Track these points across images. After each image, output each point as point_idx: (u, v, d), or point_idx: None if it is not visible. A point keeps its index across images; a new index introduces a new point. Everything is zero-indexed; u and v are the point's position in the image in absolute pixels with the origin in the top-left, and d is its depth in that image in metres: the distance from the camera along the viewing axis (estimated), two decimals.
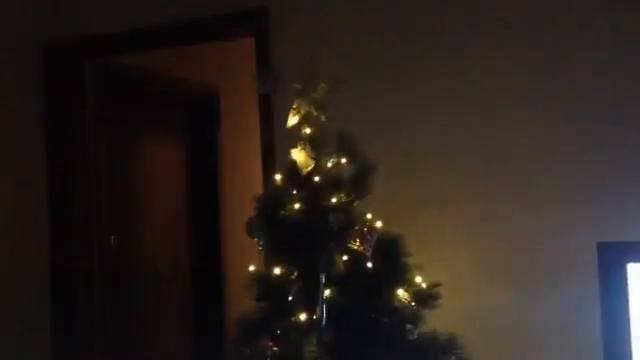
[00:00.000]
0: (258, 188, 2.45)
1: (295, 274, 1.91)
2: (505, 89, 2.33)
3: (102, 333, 3.05)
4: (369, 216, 1.99)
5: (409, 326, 1.85)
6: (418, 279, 2.00)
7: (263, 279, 1.97)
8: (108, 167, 3.25)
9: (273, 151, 2.54)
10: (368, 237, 1.90)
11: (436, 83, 2.42)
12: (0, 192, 2.75)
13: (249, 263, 2.02)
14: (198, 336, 3.62)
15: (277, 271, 1.94)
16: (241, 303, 2.02)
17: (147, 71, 3.37)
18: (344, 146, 1.99)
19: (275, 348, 1.86)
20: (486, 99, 2.35)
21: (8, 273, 2.76)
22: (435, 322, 1.95)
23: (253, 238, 1.98)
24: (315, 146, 1.97)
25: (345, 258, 1.89)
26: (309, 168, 1.96)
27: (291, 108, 2.03)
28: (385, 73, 2.49)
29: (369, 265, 1.91)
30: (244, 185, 3.09)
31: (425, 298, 1.96)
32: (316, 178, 1.95)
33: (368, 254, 1.90)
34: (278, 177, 2.02)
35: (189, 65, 3.53)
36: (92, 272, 3.06)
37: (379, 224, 1.99)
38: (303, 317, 1.85)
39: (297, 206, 1.94)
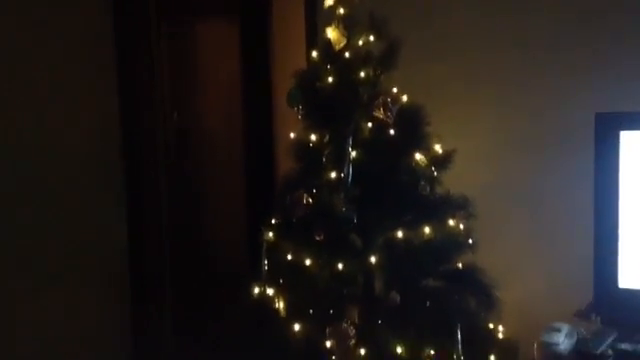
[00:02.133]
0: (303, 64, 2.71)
1: (327, 138, 2.22)
2: None
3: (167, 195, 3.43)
4: (394, 89, 2.25)
5: (422, 182, 2.14)
6: (436, 146, 2.27)
7: (301, 143, 2.29)
8: (169, 48, 3.54)
9: (316, 31, 2.77)
10: (391, 107, 2.16)
11: None
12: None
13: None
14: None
15: (312, 137, 2.26)
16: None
17: None
18: (374, 25, 2.22)
19: (310, 200, 2.19)
20: None
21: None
22: (450, 185, 2.25)
23: (292, 107, 2.28)
24: (347, 25, 2.21)
25: (370, 125, 2.18)
26: (341, 45, 2.21)
27: None
28: None
29: (391, 131, 2.19)
30: (291, 63, 3.33)
31: (440, 162, 2.24)
32: (347, 54, 2.20)
33: (390, 121, 2.17)
34: (315, 54, 2.28)
35: None
36: (157, 143, 3.42)
37: (404, 97, 2.26)
38: (333, 175, 2.16)
39: (330, 79, 2.21)
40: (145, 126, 3.27)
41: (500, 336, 2.19)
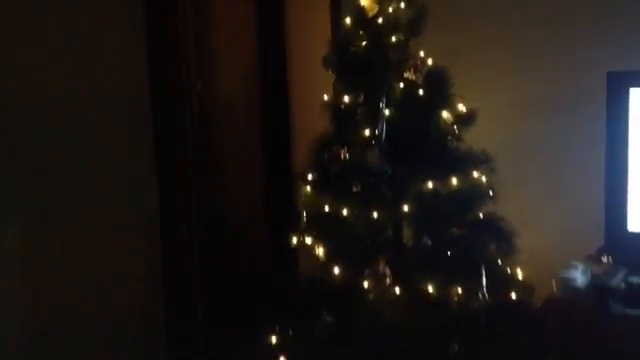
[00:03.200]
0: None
1: (361, 98, 2.41)
2: None
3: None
4: (422, 53, 2.45)
5: (449, 137, 2.35)
6: (460, 105, 2.47)
7: (335, 105, 2.48)
8: (193, 24, 3.68)
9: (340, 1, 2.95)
10: (420, 69, 2.36)
11: None
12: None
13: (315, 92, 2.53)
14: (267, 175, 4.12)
15: (346, 98, 2.45)
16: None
17: None
18: None
19: (346, 155, 2.39)
20: None
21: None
22: (471, 142, 2.45)
23: (328, 70, 2.47)
24: None
25: (401, 85, 2.37)
26: (374, 12, 2.40)
27: None
28: None
29: (420, 92, 2.39)
30: (309, 30, 3.50)
31: (464, 120, 2.44)
32: (379, 20, 2.39)
33: (420, 82, 2.37)
34: (348, 20, 2.47)
35: None
36: (184, 112, 3.59)
37: (430, 60, 2.45)
38: (367, 132, 2.37)
39: (363, 43, 2.40)
40: (175, 94, 3.44)
41: (519, 277, 2.41)
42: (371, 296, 2.29)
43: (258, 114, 4.18)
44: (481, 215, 2.43)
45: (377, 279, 2.28)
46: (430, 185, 2.31)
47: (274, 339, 2.53)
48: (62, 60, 2.90)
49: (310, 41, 3.51)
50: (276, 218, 3.68)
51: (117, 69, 3.17)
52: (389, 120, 2.34)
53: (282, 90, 4.07)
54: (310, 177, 2.48)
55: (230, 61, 4.12)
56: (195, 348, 3.47)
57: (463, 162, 2.39)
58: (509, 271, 2.41)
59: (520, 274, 2.41)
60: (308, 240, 2.47)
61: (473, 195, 2.37)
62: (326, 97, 2.52)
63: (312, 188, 2.47)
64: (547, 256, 2.49)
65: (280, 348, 2.50)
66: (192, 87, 3.63)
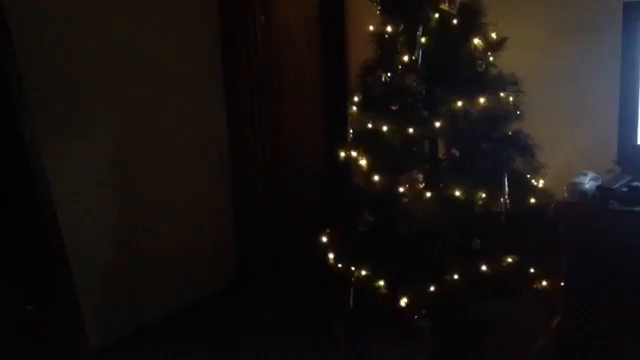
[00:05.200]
0: None
1: (401, 28, 2.74)
2: None
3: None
4: None
5: (479, 62, 2.66)
6: (492, 34, 2.76)
7: (379, 34, 2.82)
8: None
9: None
10: (454, 0, 2.66)
11: None
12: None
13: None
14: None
15: (389, 28, 2.78)
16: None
17: None
18: None
19: (387, 79, 2.74)
20: None
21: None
22: (503, 66, 2.75)
23: (372, 2, 2.79)
24: None
25: (437, 15, 2.68)
26: None
27: None
28: None
29: (454, 21, 2.69)
30: None
31: (495, 46, 2.74)
32: None
33: (454, 12, 2.67)
34: None
35: None
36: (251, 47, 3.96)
37: None
38: (406, 58, 2.70)
39: None
40: (239, 21, 3.81)
41: (539, 186, 2.74)
42: (406, 199, 2.68)
43: (318, 48, 4.53)
44: (509, 132, 2.76)
45: (411, 185, 2.66)
46: (460, 104, 2.64)
47: (324, 238, 2.97)
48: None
49: None
50: (333, 138, 4.06)
51: (190, 13, 3.58)
52: (425, 47, 2.66)
53: (340, 25, 4.39)
54: (356, 99, 2.85)
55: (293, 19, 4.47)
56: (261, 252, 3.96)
57: (491, 84, 2.70)
58: (530, 181, 2.74)
59: (540, 183, 2.75)
60: (354, 153, 2.86)
61: (500, 114, 2.69)
62: (371, 27, 2.85)
63: (357, 108, 2.84)
64: (567, 170, 2.78)
65: (330, 245, 2.94)
66: (256, 21, 4.01)
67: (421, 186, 2.66)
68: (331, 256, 2.94)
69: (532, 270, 2.70)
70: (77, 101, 2.98)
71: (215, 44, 3.77)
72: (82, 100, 3.01)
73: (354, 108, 2.86)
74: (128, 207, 3.29)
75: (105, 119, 3.15)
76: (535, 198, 2.70)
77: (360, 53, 2.96)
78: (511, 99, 2.74)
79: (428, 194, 2.65)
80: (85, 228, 3.05)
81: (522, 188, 2.70)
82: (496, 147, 2.71)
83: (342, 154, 2.91)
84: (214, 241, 3.84)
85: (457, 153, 2.65)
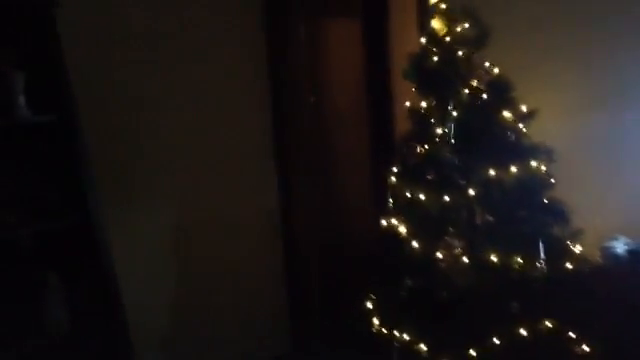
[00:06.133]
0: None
1: (434, 103, 2.92)
2: None
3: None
4: (487, 64, 2.92)
5: (509, 133, 2.80)
6: (522, 106, 2.91)
7: (414, 109, 3.01)
8: (306, 43, 4.34)
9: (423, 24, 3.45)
10: (483, 77, 2.84)
11: None
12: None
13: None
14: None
15: (423, 103, 2.97)
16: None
17: None
18: (468, 15, 2.89)
19: (422, 150, 2.91)
20: None
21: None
22: (538, 135, 2.88)
23: (407, 80, 3.00)
24: (447, 16, 2.91)
25: (467, 91, 2.86)
26: (443, 32, 2.92)
27: None
28: None
29: (484, 96, 2.86)
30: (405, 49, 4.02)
31: (525, 118, 2.88)
32: (447, 39, 2.90)
33: (483, 88, 2.85)
34: (423, 39, 2.99)
35: None
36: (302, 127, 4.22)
37: (495, 69, 2.92)
38: (439, 131, 2.87)
39: (435, 58, 2.91)
40: (291, 104, 4.08)
41: (576, 250, 2.81)
42: (444, 264, 2.79)
43: (366, 120, 4.78)
44: (545, 199, 2.86)
45: (449, 250, 2.78)
46: (492, 173, 2.77)
47: (369, 304, 3.09)
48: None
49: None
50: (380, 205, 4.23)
51: (246, 89, 3.88)
52: (457, 120, 2.83)
53: (386, 98, 4.63)
54: (395, 169, 3.03)
55: (339, 74, 4.75)
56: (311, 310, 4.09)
57: (522, 153, 2.83)
58: (567, 245, 2.81)
59: (576, 248, 2.81)
60: (394, 220, 3.00)
61: (532, 181, 2.81)
62: (408, 103, 3.05)
63: (397, 178, 3.01)
64: (603, 234, 2.84)
65: (374, 310, 3.06)
66: (306, 100, 4.28)
67: (458, 251, 2.77)
68: (376, 321, 3.05)
69: (572, 334, 2.74)
70: (142, 175, 3.26)
71: (267, 124, 4.03)
72: (145, 173, 3.28)
73: (393, 178, 3.03)
74: (186, 273, 3.50)
75: (167, 191, 3.42)
76: (572, 262, 2.76)
77: (404, 128, 3.14)
78: (544, 167, 2.86)
79: (465, 259, 2.76)
80: (145, 294, 3.26)
81: (558, 253, 2.77)
82: (531, 214, 2.81)
83: (384, 221, 3.07)
84: (268, 307, 3.99)
85: (492, 219, 2.76)
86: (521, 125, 2.91)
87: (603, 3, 3.10)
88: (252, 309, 3.87)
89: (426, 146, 2.91)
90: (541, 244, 2.74)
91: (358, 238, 4.32)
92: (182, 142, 3.47)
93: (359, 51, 4.83)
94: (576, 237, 2.83)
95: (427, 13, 3.27)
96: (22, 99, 2.39)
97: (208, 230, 3.64)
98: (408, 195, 2.95)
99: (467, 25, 2.89)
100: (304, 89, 4.20)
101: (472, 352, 2.71)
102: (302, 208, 4.15)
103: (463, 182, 2.81)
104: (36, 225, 2.51)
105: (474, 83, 2.86)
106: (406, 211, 2.96)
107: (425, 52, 2.96)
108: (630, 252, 2.45)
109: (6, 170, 2.54)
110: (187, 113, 3.51)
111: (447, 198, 2.81)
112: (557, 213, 2.82)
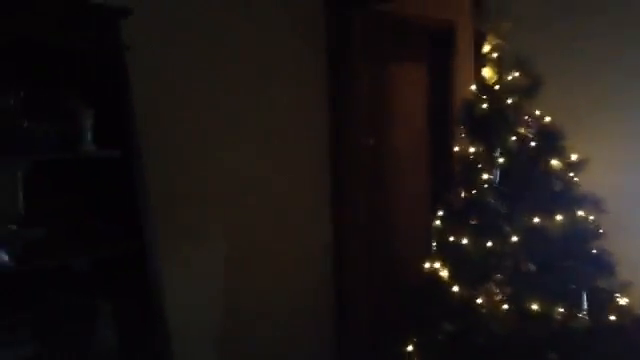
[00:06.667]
0: None
1: (482, 149, 2.96)
2: None
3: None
4: (537, 112, 2.95)
5: (555, 180, 2.80)
6: (573, 155, 2.91)
7: (462, 154, 3.06)
8: (369, 88, 4.47)
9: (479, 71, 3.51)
10: (531, 124, 2.87)
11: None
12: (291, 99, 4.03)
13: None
14: None
15: (471, 148, 3.02)
16: None
17: (398, 13, 4.48)
18: (519, 64, 2.94)
19: (467, 195, 2.95)
20: None
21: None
22: (591, 185, 2.86)
23: (459, 126, 3.06)
24: (498, 65, 2.96)
25: (514, 138, 2.88)
26: (493, 80, 2.97)
27: (485, 39, 3.04)
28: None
29: (532, 143, 2.88)
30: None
31: (575, 167, 2.88)
32: (497, 87, 2.95)
33: (531, 136, 2.87)
34: (473, 87, 3.05)
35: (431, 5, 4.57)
36: (359, 166, 4.32)
37: (547, 118, 2.95)
38: (485, 177, 2.90)
39: (484, 105, 2.96)
40: (349, 144, 4.20)
41: (621, 303, 2.75)
42: (484, 310, 2.79)
43: (426, 163, 4.83)
44: (592, 249, 2.83)
45: (489, 297, 2.78)
46: (536, 221, 2.77)
47: (410, 347, 3.11)
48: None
49: None
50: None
51: (307, 128, 4.03)
52: (503, 166, 2.86)
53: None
54: (439, 213, 3.06)
55: (402, 117, 4.84)
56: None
57: (569, 202, 2.82)
58: (612, 298, 2.76)
59: (622, 300, 2.75)
60: (437, 264, 3.03)
61: (577, 231, 2.78)
62: (456, 149, 3.10)
63: (441, 222, 3.05)
64: None
65: (414, 353, 3.07)
66: (365, 142, 4.39)
67: (499, 298, 2.77)
68: None
69: None
70: (197, 206, 3.42)
71: (325, 163, 4.16)
72: (200, 205, 3.45)
73: (437, 222, 3.07)
74: (234, 304, 3.62)
75: (219, 224, 3.57)
76: (616, 315, 2.70)
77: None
78: (591, 217, 2.83)
79: (505, 306, 2.75)
80: (192, 325, 3.39)
81: (602, 305, 2.72)
82: (576, 264, 2.78)
83: (427, 265, 3.10)
84: (316, 342, 4.05)
85: (534, 268, 2.75)
86: (571, 174, 2.91)
87: None
88: (299, 344, 3.93)
89: (473, 191, 2.94)
90: (584, 295, 2.69)
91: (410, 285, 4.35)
92: (239, 175, 3.63)
93: (423, 95, 4.93)
94: (623, 289, 2.78)
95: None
96: (89, 135, 2.58)
97: (260, 262, 3.76)
98: (451, 239, 2.97)
99: (517, 74, 2.93)
100: (363, 132, 4.31)
101: None
102: (356, 248, 4.22)
103: (507, 229, 2.82)
104: (93, 253, 2.68)
105: (522, 130, 2.88)
106: (448, 255, 2.98)
107: (475, 99, 3.02)
108: None
109: (71, 201, 2.74)
110: (246, 148, 3.67)
111: (489, 244, 2.82)
112: (603, 264, 2.78)
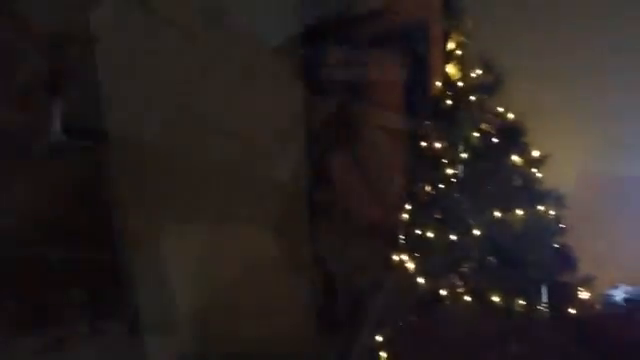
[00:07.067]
0: None
1: (446, 144, 3.02)
2: None
3: None
4: (499, 108, 3.01)
5: (514, 176, 2.86)
6: (534, 151, 2.97)
7: (428, 149, 3.11)
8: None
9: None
10: (492, 120, 2.93)
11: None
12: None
13: None
14: None
15: (437, 144, 3.07)
16: None
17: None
18: (482, 62, 3.00)
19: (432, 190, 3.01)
20: None
21: None
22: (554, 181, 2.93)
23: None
24: (461, 62, 3.03)
25: (477, 135, 2.94)
26: (457, 77, 3.03)
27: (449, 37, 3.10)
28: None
29: (494, 140, 2.94)
30: None
31: (535, 163, 2.94)
32: (460, 83, 3.01)
33: (493, 132, 2.93)
34: (438, 83, 3.11)
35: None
36: None
37: (509, 114, 3.01)
38: (450, 171, 2.96)
39: (448, 102, 3.02)
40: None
41: (582, 297, 2.82)
42: (447, 302, 2.85)
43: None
44: (554, 244, 2.90)
45: (453, 289, 2.84)
46: (497, 215, 2.83)
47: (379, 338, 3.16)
48: None
49: None
50: None
51: None
52: (466, 162, 2.92)
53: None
54: (407, 207, 3.12)
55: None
56: None
57: (530, 198, 2.88)
58: (572, 292, 2.83)
59: (584, 295, 2.82)
60: (404, 257, 3.09)
61: (537, 225, 2.85)
62: (424, 143, 3.16)
63: (408, 215, 3.10)
64: (609, 282, 2.85)
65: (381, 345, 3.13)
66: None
67: (462, 290, 2.83)
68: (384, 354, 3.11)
69: None
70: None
71: None
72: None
73: (405, 215, 3.12)
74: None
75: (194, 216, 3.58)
76: (576, 308, 2.77)
77: None
78: (552, 212, 2.89)
79: (468, 298, 2.81)
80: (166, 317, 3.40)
81: (562, 298, 2.79)
82: (538, 258, 2.84)
83: (394, 257, 3.15)
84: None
85: (495, 261, 2.81)
86: (533, 170, 2.97)
87: (619, 50, 3.14)
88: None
89: (439, 185, 2.99)
90: (544, 288, 2.76)
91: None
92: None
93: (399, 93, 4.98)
94: (586, 283, 2.85)
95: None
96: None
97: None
98: (418, 232, 3.03)
99: (480, 72, 2.98)
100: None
101: None
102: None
103: (471, 223, 2.88)
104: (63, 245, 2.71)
105: (485, 127, 2.94)
106: (414, 248, 3.04)
107: (440, 96, 3.07)
108: (627, 300, 2.46)
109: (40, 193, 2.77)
110: None
111: (454, 237, 2.88)
112: (564, 259, 2.85)
